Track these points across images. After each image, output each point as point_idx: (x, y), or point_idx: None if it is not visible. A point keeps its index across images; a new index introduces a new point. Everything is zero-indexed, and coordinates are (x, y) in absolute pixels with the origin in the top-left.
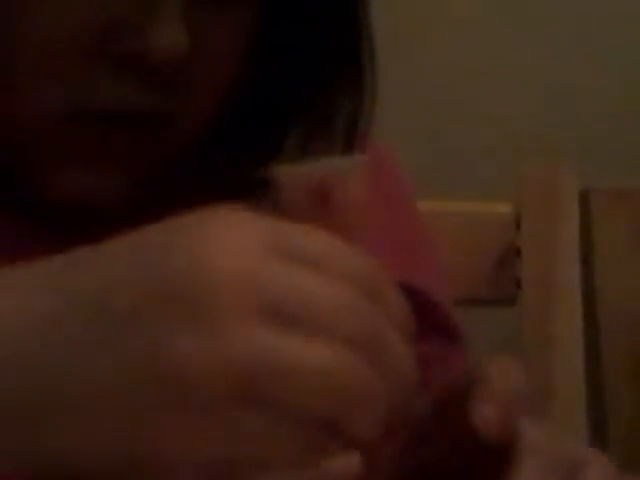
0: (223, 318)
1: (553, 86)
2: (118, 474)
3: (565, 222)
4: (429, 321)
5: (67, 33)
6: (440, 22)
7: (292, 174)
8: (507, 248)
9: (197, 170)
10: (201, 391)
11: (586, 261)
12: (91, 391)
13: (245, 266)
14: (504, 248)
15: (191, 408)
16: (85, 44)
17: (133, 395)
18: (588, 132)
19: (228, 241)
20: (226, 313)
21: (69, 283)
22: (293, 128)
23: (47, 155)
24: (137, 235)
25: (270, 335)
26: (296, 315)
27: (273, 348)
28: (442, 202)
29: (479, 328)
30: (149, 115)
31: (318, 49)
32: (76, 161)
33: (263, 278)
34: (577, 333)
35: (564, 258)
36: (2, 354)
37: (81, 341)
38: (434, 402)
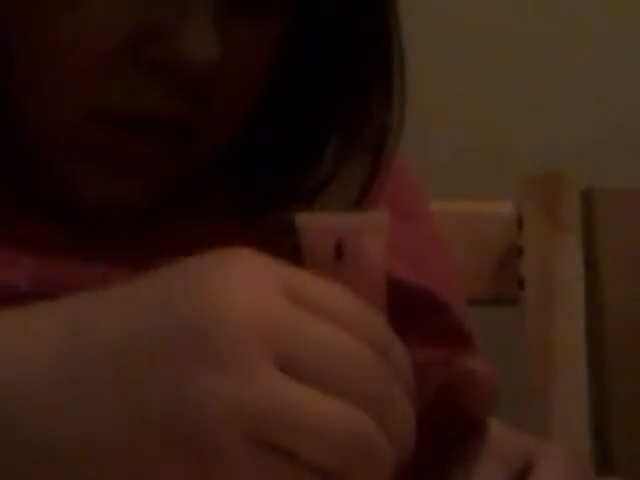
0: (243, 364)
1: (554, 85)
2: None
3: (567, 222)
4: (442, 325)
5: (99, 38)
6: (441, 22)
7: (313, 224)
8: (509, 248)
9: (226, 182)
10: (219, 435)
11: (589, 261)
12: (102, 442)
13: (265, 313)
14: (506, 248)
15: (209, 454)
16: (116, 50)
17: (146, 445)
18: (590, 131)
19: (247, 286)
20: (245, 359)
21: (87, 330)
22: (327, 140)
23: (74, 158)
24: (154, 279)
25: (286, 383)
26: (312, 365)
27: (288, 397)
28: (444, 202)
29: (481, 327)
30: (177, 121)
31: (348, 60)
32: (103, 164)
33: (282, 326)
34: (579, 332)
35: (566, 257)
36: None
37: (97, 390)
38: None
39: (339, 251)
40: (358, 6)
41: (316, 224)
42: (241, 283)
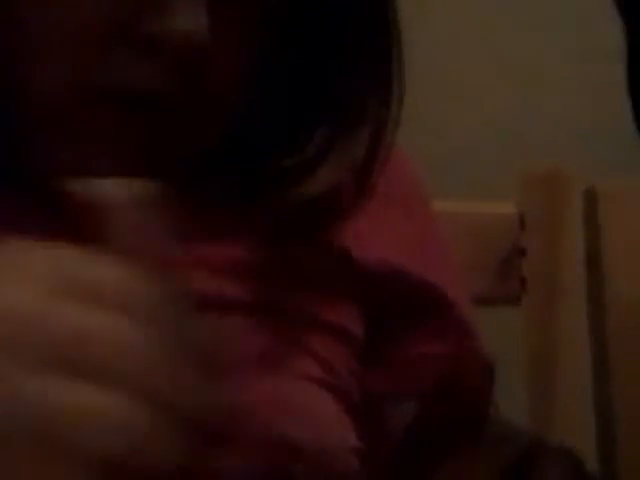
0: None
1: (555, 84)
2: None
3: (569, 221)
4: (443, 320)
5: (87, 14)
6: (442, 21)
7: (81, 191)
8: (512, 248)
9: (216, 167)
10: None
11: (593, 260)
12: None
13: (21, 307)
14: (509, 248)
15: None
16: (105, 25)
17: None
18: (592, 130)
19: (3, 281)
20: (3, 360)
21: None
22: (318, 128)
23: (60, 135)
24: None
25: (47, 380)
26: (72, 355)
27: (48, 392)
28: (445, 202)
29: (484, 328)
30: (165, 100)
31: (345, 47)
32: (90, 142)
33: (38, 320)
34: (582, 332)
35: (569, 257)
36: None
37: None
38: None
39: (103, 218)
40: None
41: (85, 189)
42: None
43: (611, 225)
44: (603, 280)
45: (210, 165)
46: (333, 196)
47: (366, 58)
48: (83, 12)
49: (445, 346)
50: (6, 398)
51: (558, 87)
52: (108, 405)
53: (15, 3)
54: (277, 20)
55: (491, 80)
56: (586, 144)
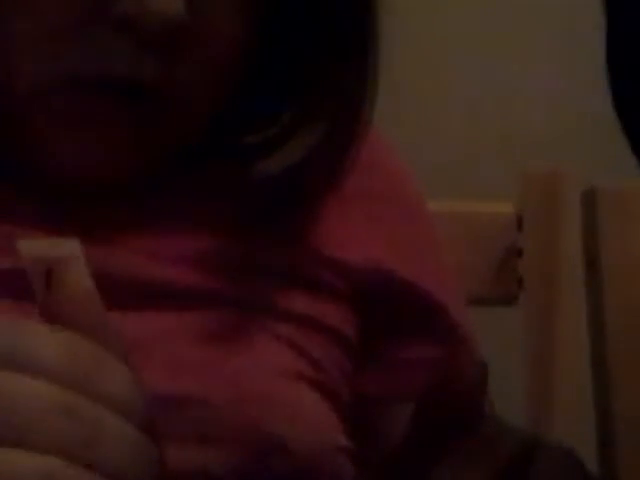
0: None
1: (555, 83)
2: None
3: (567, 221)
4: (433, 323)
5: None
6: (442, 20)
7: (29, 251)
8: (509, 248)
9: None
10: None
11: (592, 261)
12: None
13: None
14: (506, 248)
15: None
16: (83, 8)
17: None
18: (591, 130)
19: None
20: None
21: None
22: (286, 110)
23: (45, 125)
24: None
25: None
26: (6, 422)
27: None
28: (443, 202)
29: (481, 328)
30: (145, 86)
31: (321, 33)
32: (73, 130)
33: None
34: (580, 333)
35: (566, 258)
36: None
37: None
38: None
39: (47, 279)
40: None
41: (31, 252)
42: None
43: (610, 225)
44: (602, 281)
45: (181, 157)
46: (298, 176)
47: (339, 39)
48: None
49: (436, 349)
50: None
51: (558, 85)
52: (42, 470)
53: None
54: (257, 6)
55: (490, 80)
56: (586, 144)
